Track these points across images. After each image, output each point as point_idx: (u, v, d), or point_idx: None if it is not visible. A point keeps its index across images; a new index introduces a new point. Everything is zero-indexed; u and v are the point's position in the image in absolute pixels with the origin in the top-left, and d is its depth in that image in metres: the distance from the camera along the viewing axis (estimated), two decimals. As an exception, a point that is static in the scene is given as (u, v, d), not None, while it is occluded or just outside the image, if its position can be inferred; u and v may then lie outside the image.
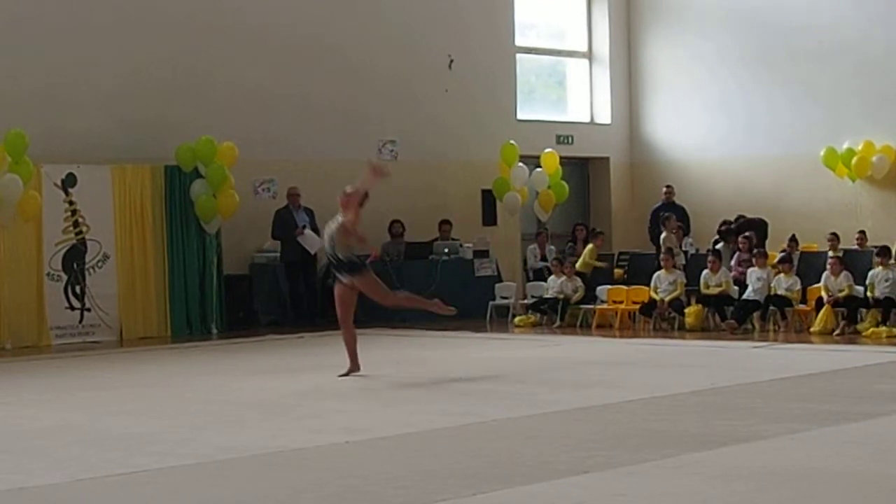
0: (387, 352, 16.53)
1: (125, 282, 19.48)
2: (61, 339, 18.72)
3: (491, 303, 21.29)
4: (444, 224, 22.87)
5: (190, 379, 14.34)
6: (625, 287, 20.23)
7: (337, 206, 13.99)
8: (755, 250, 19.44)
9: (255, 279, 21.28)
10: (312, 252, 20.88)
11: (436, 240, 22.56)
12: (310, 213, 21.06)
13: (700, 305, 18.95)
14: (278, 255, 21.21)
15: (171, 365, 16.05)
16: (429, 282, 21.21)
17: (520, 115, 25.30)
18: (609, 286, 20.43)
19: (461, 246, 22.35)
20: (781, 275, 18.66)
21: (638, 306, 19.42)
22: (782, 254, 19.58)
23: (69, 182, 19.01)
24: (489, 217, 24.24)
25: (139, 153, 20.08)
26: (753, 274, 18.80)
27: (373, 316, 20.08)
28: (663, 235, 21.14)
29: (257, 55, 21.75)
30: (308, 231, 20.78)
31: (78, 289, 19.06)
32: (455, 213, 23.38)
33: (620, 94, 26.62)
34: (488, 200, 24.07)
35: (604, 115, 26.65)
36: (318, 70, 22.45)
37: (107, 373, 15.25)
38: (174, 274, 20.00)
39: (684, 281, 19.15)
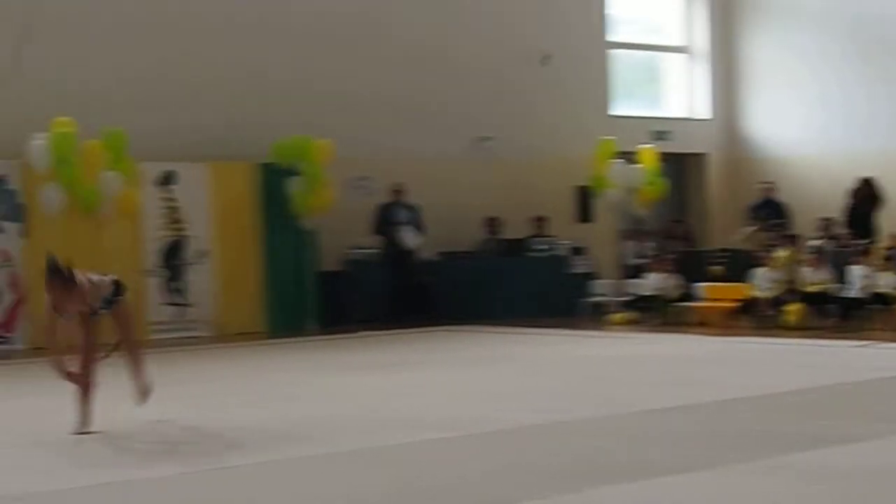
0: (481, 349, 16.49)
1: (222, 278, 19.62)
2: (160, 335, 18.88)
3: (586, 300, 21.17)
4: (539, 220, 22.79)
5: (286, 374, 14.37)
6: (723, 284, 20.01)
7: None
8: (859, 246, 19.16)
9: (350, 276, 21.33)
10: (408, 247, 20.95)
11: (531, 237, 22.49)
12: (412, 209, 21.13)
13: (801, 303, 18.68)
14: (375, 251, 21.29)
15: (268, 360, 16.11)
16: (524, 279, 21.16)
17: (615, 111, 25.14)
18: (707, 283, 20.22)
19: (556, 243, 22.25)
20: (886, 272, 18.36)
21: (737, 304, 19.20)
22: (891, 251, 19.24)
23: (168, 179, 19.18)
24: (583, 213, 24.08)
25: (236, 151, 20.21)
26: (857, 271, 18.53)
27: (468, 312, 20.12)
28: (751, 232, 20.91)
29: (352, 53, 21.81)
30: (408, 228, 20.87)
31: (176, 285, 19.22)
32: (549, 210, 23.28)
33: (719, 90, 26.37)
34: (582, 197, 23.92)
35: (702, 111, 26.42)
36: (414, 67, 22.47)
37: (204, 368, 15.35)
38: (270, 270, 20.10)
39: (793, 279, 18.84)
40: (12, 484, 8.20)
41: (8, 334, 17.71)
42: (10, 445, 9.85)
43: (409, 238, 20.86)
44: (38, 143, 17.54)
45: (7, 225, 17.79)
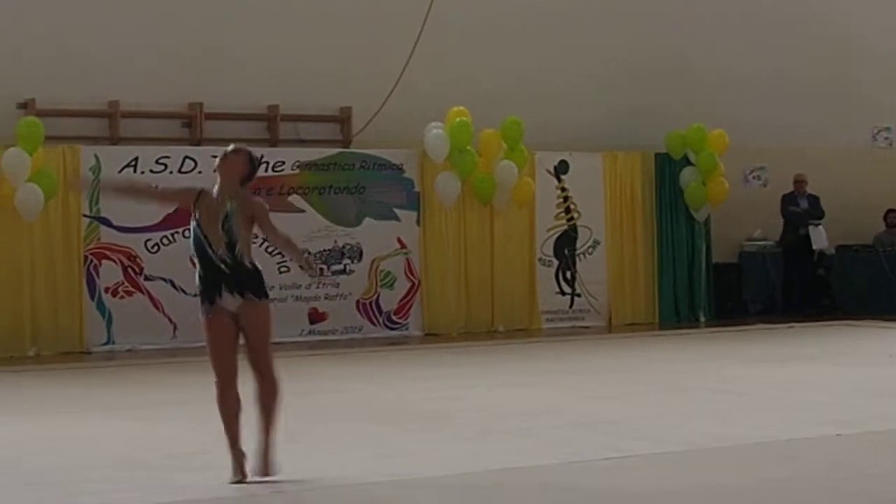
0: (879, 344, 15.95)
1: (615, 268, 19.62)
2: (551, 324, 19.04)
3: None
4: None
5: (678, 366, 14.27)
6: None
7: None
8: None
9: (744, 268, 21.00)
10: (817, 248, 20.50)
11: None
12: (814, 200, 20.67)
13: None
14: (770, 243, 20.92)
15: (659, 351, 16.04)
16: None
17: None
18: None
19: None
20: None
21: None
22: None
23: (561, 169, 19.33)
24: None
25: (630, 141, 20.18)
26: None
27: (866, 307, 19.52)
28: None
29: (747, 38, 21.40)
30: (819, 229, 20.43)
31: (568, 274, 19.34)
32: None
33: None
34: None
35: None
36: (809, 52, 21.84)
37: (596, 357, 15.40)
38: (663, 261, 19.98)
39: None
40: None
41: (402, 321, 18.22)
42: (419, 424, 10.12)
43: (819, 239, 20.42)
44: (436, 133, 17.95)
45: (403, 213, 18.28)
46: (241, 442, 8.02)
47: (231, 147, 8.22)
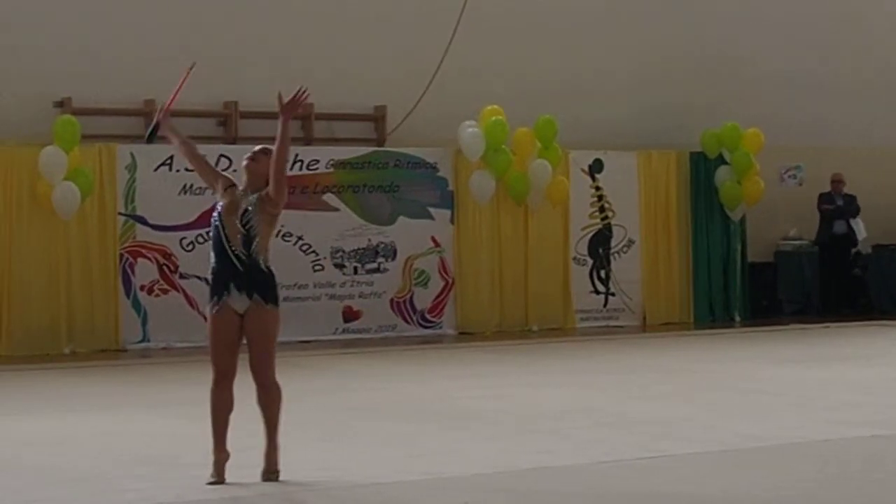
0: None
1: (649, 267, 19.58)
2: (585, 323, 19.01)
3: None
4: None
5: (713, 366, 14.23)
6: None
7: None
8: None
9: (779, 267, 20.92)
10: (862, 239, 20.43)
11: None
12: (850, 199, 20.60)
13: None
14: (806, 241, 20.84)
15: (694, 351, 16.01)
16: None
17: None
18: None
19: None
20: None
21: None
22: None
23: (596, 168, 19.30)
24: None
25: (664, 139, 20.14)
26: None
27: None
28: None
29: (782, 36, 21.30)
30: (857, 220, 20.35)
31: (603, 273, 19.31)
32: None
33: None
34: None
35: None
36: (846, 50, 21.74)
37: (630, 357, 15.37)
38: (698, 260, 19.92)
39: None
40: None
41: (436, 319, 18.22)
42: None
43: (860, 230, 20.36)
44: (472, 132, 17.96)
45: (437, 212, 18.28)
46: (227, 443, 7.97)
47: (260, 147, 8.23)
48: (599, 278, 19.31)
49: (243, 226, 7.95)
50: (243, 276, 7.94)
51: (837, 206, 20.60)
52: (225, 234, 7.94)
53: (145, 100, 17.31)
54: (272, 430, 7.98)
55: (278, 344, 8.05)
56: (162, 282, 16.63)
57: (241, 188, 8.10)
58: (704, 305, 19.92)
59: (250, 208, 7.97)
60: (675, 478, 8.00)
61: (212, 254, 8.05)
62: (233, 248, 7.95)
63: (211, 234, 8.08)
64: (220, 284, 7.97)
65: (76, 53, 17.10)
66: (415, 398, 11.82)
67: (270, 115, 17.82)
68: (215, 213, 8.07)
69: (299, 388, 10.55)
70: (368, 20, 18.74)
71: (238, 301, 7.94)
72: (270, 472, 7.96)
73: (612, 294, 19.35)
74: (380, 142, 18.64)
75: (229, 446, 7.97)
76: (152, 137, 8.55)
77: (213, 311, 8.00)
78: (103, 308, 16.35)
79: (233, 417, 8.00)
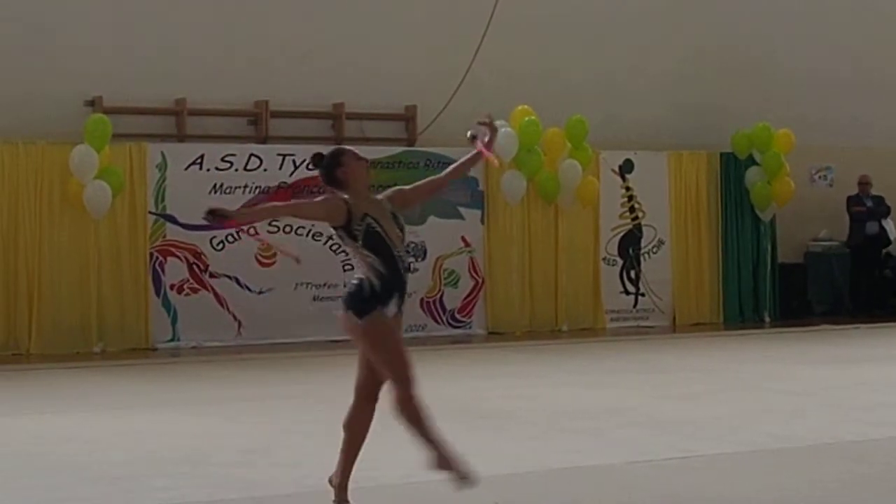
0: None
1: (679, 268, 19.55)
2: (616, 323, 18.99)
3: None
4: None
5: (743, 366, 14.20)
6: None
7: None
8: None
9: (809, 268, 20.86)
10: (893, 239, 20.39)
11: None
12: (879, 200, 20.54)
13: None
14: (836, 242, 20.79)
15: (724, 352, 15.97)
16: None
17: None
18: None
19: None
20: None
21: None
22: None
23: (626, 168, 19.27)
24: None
25: (695, 140, 20.10)
26: None
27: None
28: None
29: (813, 36, 21.23)
30: (889, 220, 20.32)
31: (633, 274, 19.28)
32: None
33: None
34: None
35: None
36: (877, 50, 21.66)
37: (660, 357, 15.35)
38: (728, 261, 19.88)
39: None
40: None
41: (466, 319, 18.21)
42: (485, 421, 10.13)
43: (891, 231, 20.32)
44: (505, 132, 17.87)
45: (467, 212, 18.27)
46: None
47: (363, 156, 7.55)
48: (629, 278, 19.28)
49: (401, 229, 7.42)
50: (406, 286, 7.42)
51: (868, 207, 20.56)
52: (391, 241, 7.30)
53: (176, 99, 17.37)
54: (422, 436, 7.48)
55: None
56: (192, 281, 16.66)
57: (351, 198, 7.33)
58: (734, 306, 19.87)
59: (397, 214, 7.43)
60: (707, 478, 7.99)
61: (377, 262, 7.25)
62: (402, 257, 7.37)
63: (368, 240, 7.27)
64: (386, 294, 7.27)
65: (107, 52, 17.15)
66: (445, 398, 11.78)
67: (300, 115, 18.13)
68: (366, 222, 7.26)
69: (329, 388, 10.55)
70: (400, 20, 18.76)
71: (391, 312, 7.34)
72: (444, 465, 7.37)
73: (643, 294, 19.32)
74: (410, 141, 18.63)
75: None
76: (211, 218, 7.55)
77: (375, 319, 7.24)
78: (133, 307, 16.40)
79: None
